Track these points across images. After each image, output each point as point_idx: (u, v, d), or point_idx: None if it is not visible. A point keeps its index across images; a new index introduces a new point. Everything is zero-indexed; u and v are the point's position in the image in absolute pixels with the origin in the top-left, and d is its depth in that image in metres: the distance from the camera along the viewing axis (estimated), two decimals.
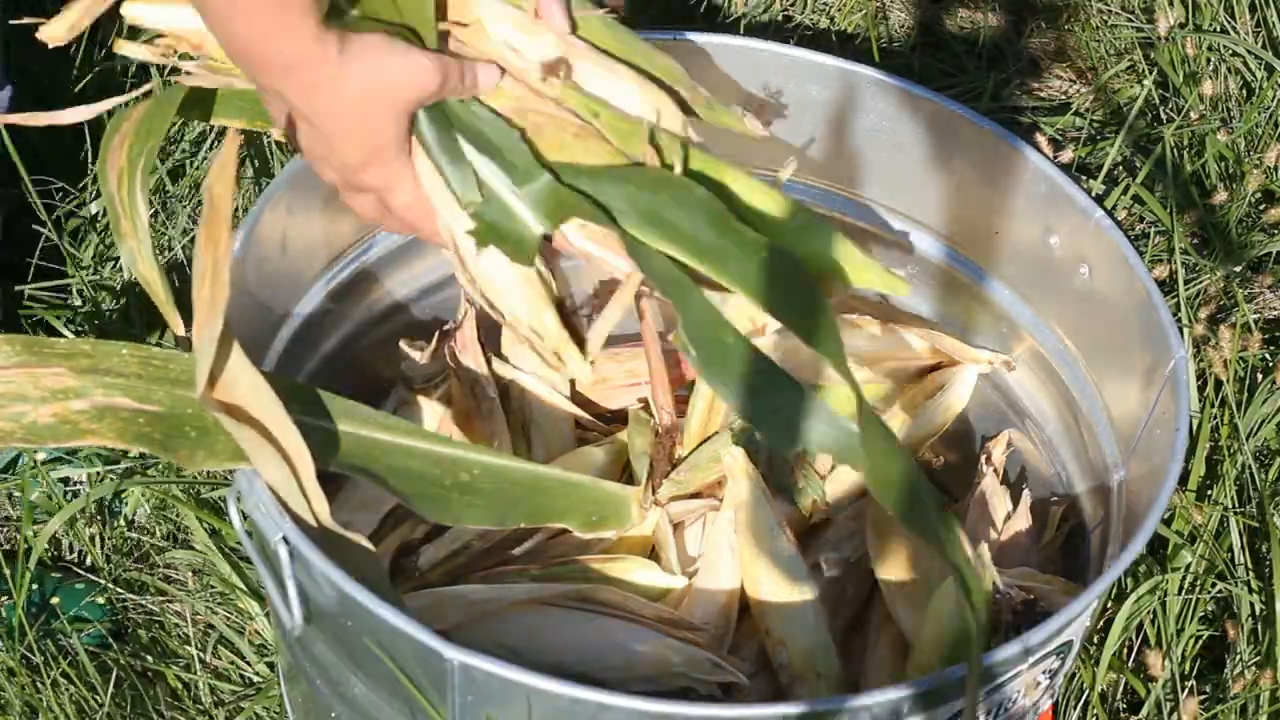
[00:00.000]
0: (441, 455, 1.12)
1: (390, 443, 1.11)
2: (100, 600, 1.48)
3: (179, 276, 1.70)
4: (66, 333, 1.67)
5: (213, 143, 1.84)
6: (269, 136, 1.70)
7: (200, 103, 1.14)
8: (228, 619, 1.48)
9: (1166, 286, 1.66)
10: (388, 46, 0.99)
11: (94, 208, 1.76)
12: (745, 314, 1.14)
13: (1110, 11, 2.15)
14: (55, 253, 1.68)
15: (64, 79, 1.81)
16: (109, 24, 1.90)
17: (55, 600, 1.47)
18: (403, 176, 1.04)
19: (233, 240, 1.02)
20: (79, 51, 1.86)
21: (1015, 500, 1.31)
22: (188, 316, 1.04)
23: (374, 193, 1.06)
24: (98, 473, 1.53)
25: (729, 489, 1.25)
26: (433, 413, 1.34)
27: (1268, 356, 1.68)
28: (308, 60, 0.95)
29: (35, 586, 1.48)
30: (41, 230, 1.66)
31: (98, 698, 1.39)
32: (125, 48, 1.14)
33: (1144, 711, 1.40)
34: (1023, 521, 1.28)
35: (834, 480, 1.33)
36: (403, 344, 1.36)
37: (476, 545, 1.25)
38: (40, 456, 1.54)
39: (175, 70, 1.92)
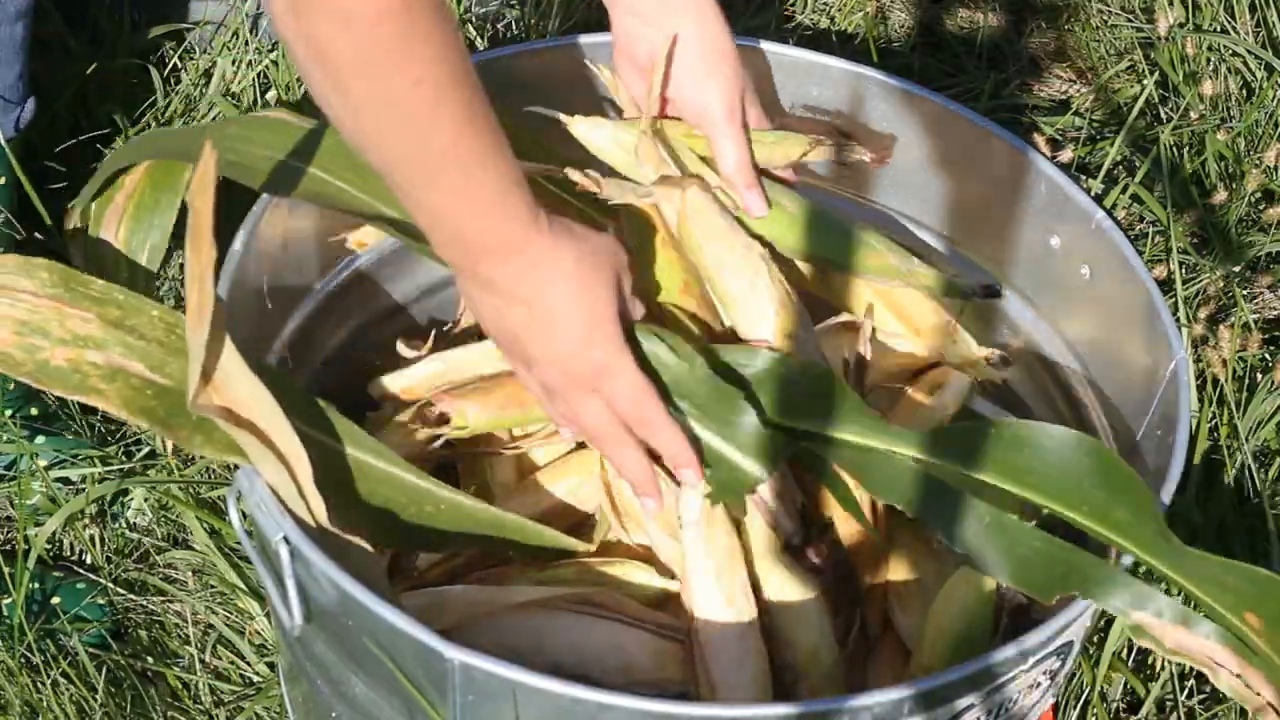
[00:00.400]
0: (414, 486, 1.13)
1: (375, 467, 1.12)
2: (100, 600, 1.48)
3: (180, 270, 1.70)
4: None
5: None
6: None
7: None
8: (228, 619, 1.48)
9: (1165, 286, 1.66)
10: (575, 223, 1.03)
11: (94, 207, 1.75)
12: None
13: (1110, 11, 2.15)
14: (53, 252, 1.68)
15: (62, 80, 1.81)
16: (108, 20, 1.90)
17: (56, 600, 1.47)
18: (624, 354, 1.04)
19: (215, 249, 1.02)
20: (78, 52, 1.86)
21: None
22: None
23: (597, 385, 1.04)
24: (97, 473, 1.53)
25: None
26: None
27: (1267, 356, 1.68)
28: (525, 239, 0.98)
29: (36, 585, 1.48)
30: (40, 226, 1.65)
31: (97, 698, 1.39)
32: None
33: (1144, 711, 1.40)
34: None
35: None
36: (400, 344, 1.36)
37: None
38: (42, 463, 1.54)
39: (175, 71, 1.92)
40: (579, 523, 1.29)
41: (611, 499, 1.22)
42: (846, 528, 1.23)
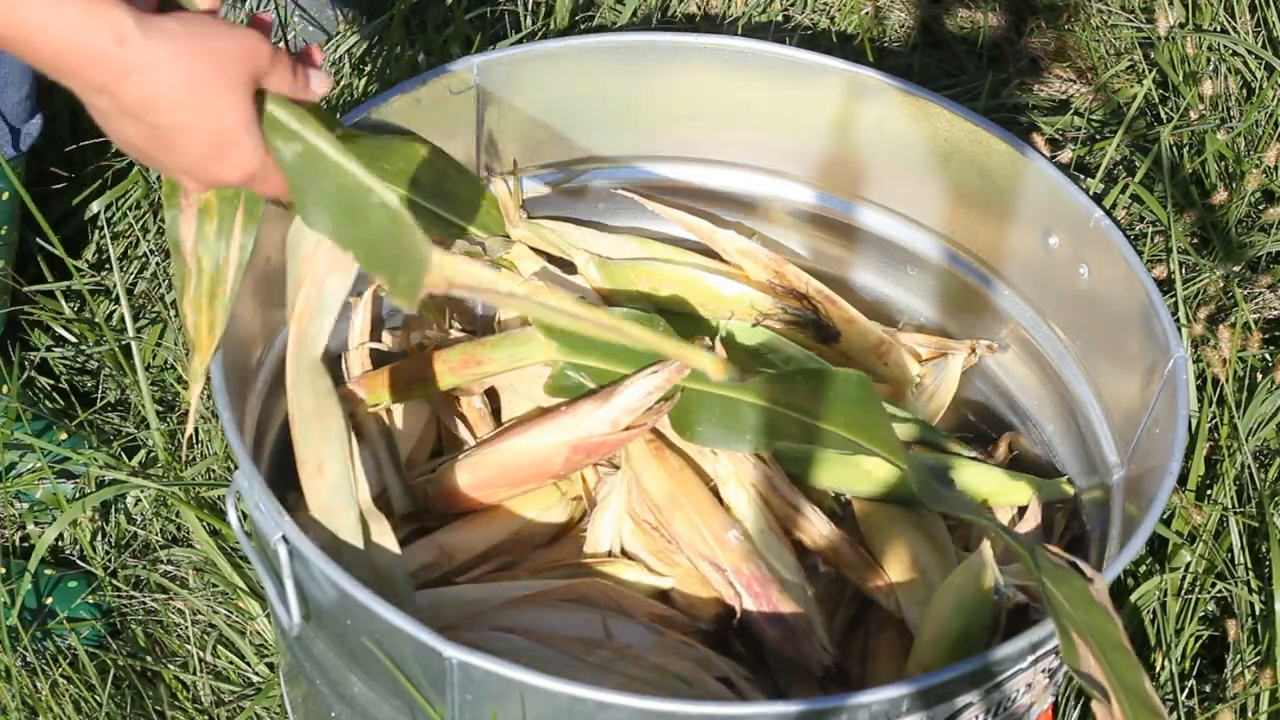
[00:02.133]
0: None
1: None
2: (94, 600, 1.48)
3: None
4: (66, 334, 1.68)
5: None
6: None
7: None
8: (228, 619, 1.48)
9: (1165, 286, 1.66)
10: (209, 22, 0.93)
11: (94, 208, 1.76)
12: None
13: (1110, 11, 2.14)
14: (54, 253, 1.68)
15: None
16: None
17: (49, 600, 1.47)
18: (263, 163, 0.97)
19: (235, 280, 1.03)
20: None
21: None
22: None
23: (247, 183, 0.98)
24: (99, 467, 1.53)
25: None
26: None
27: (1267, 356, 1.68)
28: (112, 52, 0.88)
29: (28, 586, 1.48)
30: (39, 232, 1.66)
31: (97, 697, 1.39)
32: None
33: None
34: (1030, 523, 1.28)
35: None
36: (385, 335, 1.37)
37: (459, 556, 1.27)
38: (43, 461, 1.54)
39: None
40: (557, 535, 1.30)
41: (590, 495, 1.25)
42: (830, 539, 1.24)
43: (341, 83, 1.87)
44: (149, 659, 1.45)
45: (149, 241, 1.74)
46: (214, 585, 1.49)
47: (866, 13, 2.10)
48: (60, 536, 1.54)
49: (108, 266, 1.73)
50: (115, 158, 1.79)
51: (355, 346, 1.32)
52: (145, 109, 0.91)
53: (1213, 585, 1.47)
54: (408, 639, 0.98)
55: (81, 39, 0.88)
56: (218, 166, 0.95)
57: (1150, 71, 2.01)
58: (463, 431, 1.34)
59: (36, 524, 1.55)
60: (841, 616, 1.26)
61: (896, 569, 1.24)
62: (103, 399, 1.64)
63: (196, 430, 1.58)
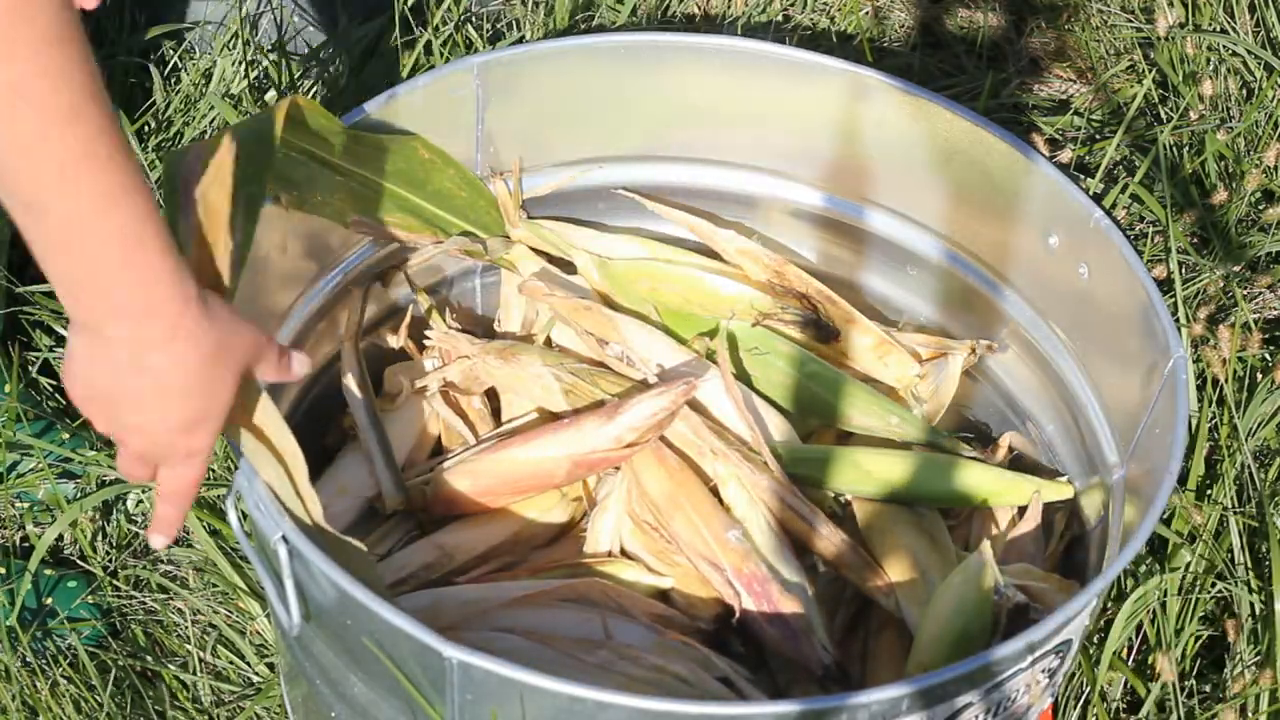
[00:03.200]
0: None
1: None
2: (93, 600, 1.48)
3: None
4: (67, 334, 1.67)
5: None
6: None
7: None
8: (228, 619, 1.48)
9: (1165, 286, 1.66)
10: (230, 310, 0.95)
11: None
12: None
13: (1110, 11, 2.15)
14: None
15: None
16: (108, 20, 1.90)
17: (49, 600, 1.47)
18: (208, 449, 0.98)
19: (230, 244, 1.02)
20: None
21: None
22: None
23: (169, 464, 0.98)
24: (99, 470, 1.53)
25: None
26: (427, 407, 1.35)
27: (1267, 356, 1.68)
28: (168, 307, 0.89)
29: (29, 587, 1.48)
30: None
31: (97, 697, 1.39)
32: None
33: (1144, 711, 1.40)
34: (1030, 522, 1.28)
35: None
36: (387, 333, 1.37)
37: (459, 556, 1.27)
38: (44, 463, 1.54)
39: (175, 71, 1.92)
40: (557, 535, 1.30)
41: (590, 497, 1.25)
42: (830, 539, 1.24)
43: (341, 83, 1.87)
44: (149, 659, 1.45)
45: None
46: (214, 585, 1.49)
47: (866, 13, 2.10)
48: (60, 537, 1.54)
49: None
50: None
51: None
52: (165, 370, 0.92)
53: (1213, 585, 1.47)
54: (408, 639, 0.98)
55: (168, 286, 0.89)
56: (184, 439, 0.96)
57: (1150, 71, 2.01)
58: (463, 432, 1.34)
59: (37, 524, 1.55)
60: (841, 616, 1.26)
61: (896, 569, 1.24)
62: None
63: None
